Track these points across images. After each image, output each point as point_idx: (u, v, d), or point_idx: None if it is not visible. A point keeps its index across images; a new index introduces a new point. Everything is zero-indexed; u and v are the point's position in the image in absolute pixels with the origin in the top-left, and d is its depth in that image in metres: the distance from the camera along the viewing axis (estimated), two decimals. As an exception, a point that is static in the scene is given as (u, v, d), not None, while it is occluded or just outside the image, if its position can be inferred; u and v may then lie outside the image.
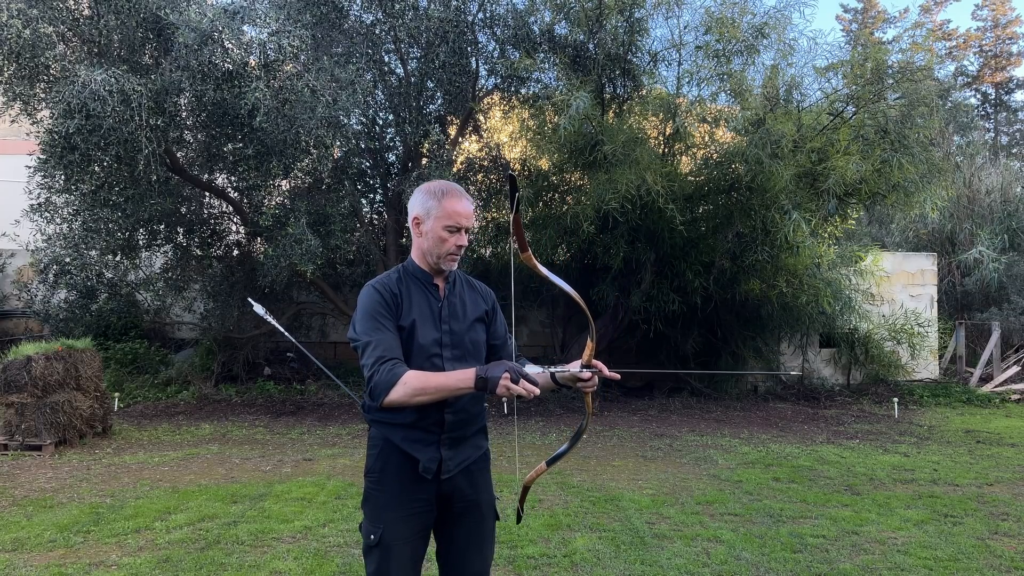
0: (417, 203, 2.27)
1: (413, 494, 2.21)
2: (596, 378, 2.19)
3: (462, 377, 2.05)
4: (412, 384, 2.06)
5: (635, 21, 9.51)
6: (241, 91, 7.93)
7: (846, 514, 5.20)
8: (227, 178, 10.41)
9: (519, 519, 2.47)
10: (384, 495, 2.21)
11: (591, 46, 9.86)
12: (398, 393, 2.05)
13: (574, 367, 2.19)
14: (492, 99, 11.08)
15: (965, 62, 32.73)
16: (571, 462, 6.84)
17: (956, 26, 37.22)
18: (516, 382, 1.99)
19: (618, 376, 2.27)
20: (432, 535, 2.33)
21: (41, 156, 8.48)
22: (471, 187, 10.66)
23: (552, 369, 2.19)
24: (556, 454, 2.46)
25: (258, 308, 3.39)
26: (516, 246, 2.23)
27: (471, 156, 11.15)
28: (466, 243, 2.29)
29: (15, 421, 7.07)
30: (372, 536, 2.17)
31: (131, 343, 11.64)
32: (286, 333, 3.36)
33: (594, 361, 2.19)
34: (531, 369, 2.11)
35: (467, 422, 2.28)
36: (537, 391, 2.02)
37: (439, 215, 2.23)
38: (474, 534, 2.31)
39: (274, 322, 3.35)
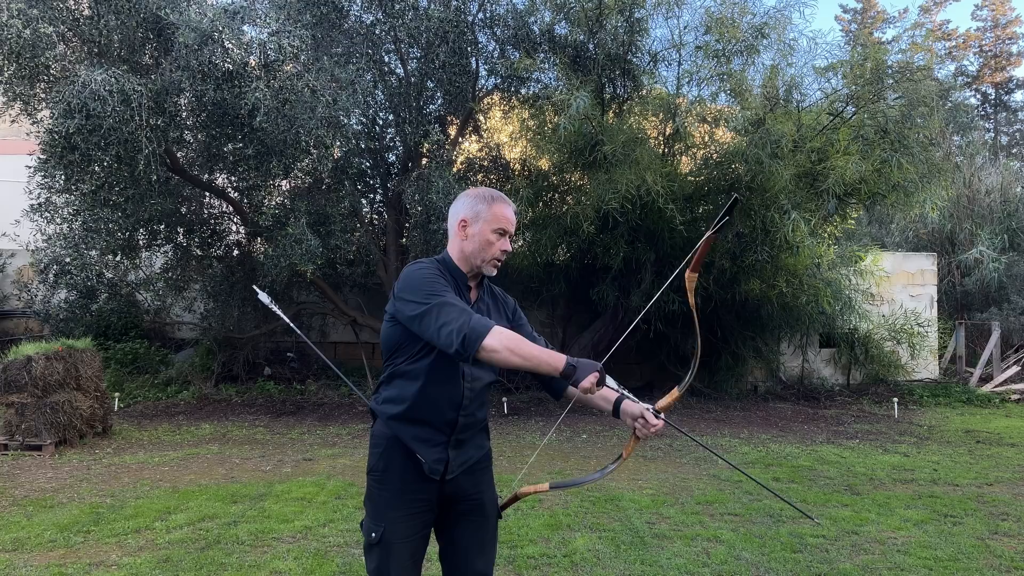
0: (465, 206, 2.27)
1: (415, 493, 2.21)
2: (658, 427, 2.17)
3: (553, 357, 2.02)
4: (508, 336, 2.01)
5: (635, 21, 9.50)
6: (241, 91, 7.93)
7: (846, 514, 5.20)
8: (227, 178, 10.41)
9: (499, 516, 2.47)
10: (386, 493, 2.21)
11: (591, 46, 9.85)
12: (495, 339, 1.98)
13: (644, 407, 2.17)
14: (492, 99, 11.07)
15: (965, 62, 32.79)
16: (571, 461, 6.84)
17: (956, 26, 37.25)
18: (599, 385, 2.00)
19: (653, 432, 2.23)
20: (433, 535, 2.33)
21: (41, 156, 8.47)
22: (471, 188, 10.65)
23: (627, 393, 2.17)
24: (570, 483, 2.47)
25: (263, 296, 3.41)
26: (692, 261, 2.21)
27: (471, 156, 11.15)
28: (510, 249, 2.29)
29: (15, 421, 7.07)
30: (373, 534, 2.18)
31: (131, 343, 11.64)
32: (292, 325, 3.36)
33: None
34: (610, 382, 2.10)
35: (473, 425, 2.29)
36: (598, 391, 2.03)
37: (488, 218, 2.23)
38: (477, 534, 2.31)
39: (279, 312, 3.37)
